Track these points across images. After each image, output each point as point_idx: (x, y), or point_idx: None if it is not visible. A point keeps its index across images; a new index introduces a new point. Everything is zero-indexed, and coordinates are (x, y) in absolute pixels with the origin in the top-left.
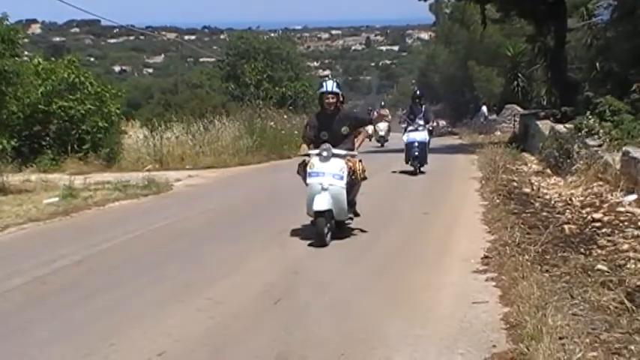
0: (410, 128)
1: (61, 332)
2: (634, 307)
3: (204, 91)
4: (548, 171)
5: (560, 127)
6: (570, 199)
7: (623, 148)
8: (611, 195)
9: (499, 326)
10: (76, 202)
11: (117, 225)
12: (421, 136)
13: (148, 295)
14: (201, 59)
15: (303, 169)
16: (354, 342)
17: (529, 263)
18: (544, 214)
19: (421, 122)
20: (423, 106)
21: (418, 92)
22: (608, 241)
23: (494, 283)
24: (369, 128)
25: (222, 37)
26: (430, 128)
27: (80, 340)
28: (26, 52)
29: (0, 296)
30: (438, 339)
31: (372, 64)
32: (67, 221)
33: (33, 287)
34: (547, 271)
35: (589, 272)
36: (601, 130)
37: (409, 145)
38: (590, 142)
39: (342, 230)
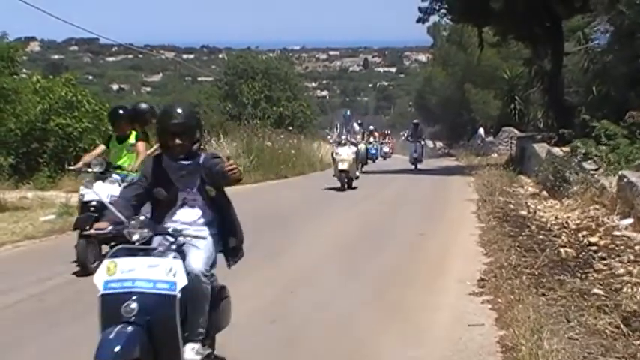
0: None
1: (56, 350)
2: (630, 332)
3: (202, 110)
4: (545, 194)
5: (556, 150)
6: (566, 223)
7: (619, 173)
8: (608, 219)
9: (495, 349)
10: (72, 220)
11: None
12: (152, 274)
13: None
14: (199, 78)
15: None
16: None
17: (525, 286)
18: (540, 237)
19: (178, 223)
20: (202, 160)
21: (175, 122)
22: (604, 264)
23: (490, 306)
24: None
25: (220, 56)
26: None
27: (75, 358)
28: (25, 70)
29: None
30: None
31: (370, 85)
32: (64, 239)
33: (28, 304)
34: (543, 294)
35: (585, 296)
36: (597, 154)
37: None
38: (586, 165)
39: None
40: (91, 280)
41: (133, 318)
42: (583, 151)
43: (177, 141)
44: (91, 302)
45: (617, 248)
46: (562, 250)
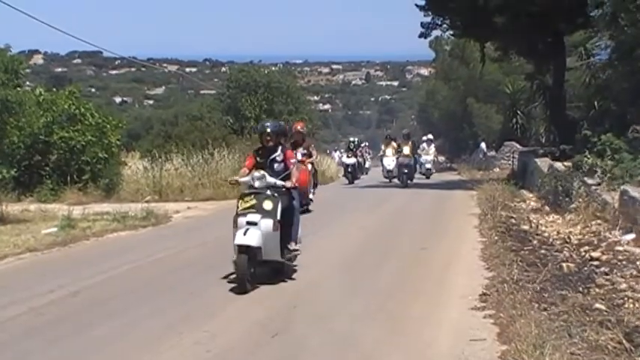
0: None
1: None
2: (632, 347)
3: (205, 123)
4: (547, 208)
5: (558, 164)
6: (569, 237)
7: (622, 187)
8: (610, 234)
9: None
10: (74, 233)
11: (115, 256)
12: None
13: (146, 327)
14: (201, 91)
15: None
16: None
17: (527, 301)
18: (542, 251)
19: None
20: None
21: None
22: (607, 280)
23: (492, 321)
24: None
25: (223, 69)
26: None
27: None
28: (28, 83)
29: None
30: None
31: (372, 98)
32: (65, 252)
33: (30, 318)
34: (545, 309)
35: (587, 311)
36: (600, 169)
37: None
38: (588, 180)
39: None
40: (91, 292)
41: None
42: (585, 166)
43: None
44: (92, 316)
45: (619, 263)
46: (564, 264)
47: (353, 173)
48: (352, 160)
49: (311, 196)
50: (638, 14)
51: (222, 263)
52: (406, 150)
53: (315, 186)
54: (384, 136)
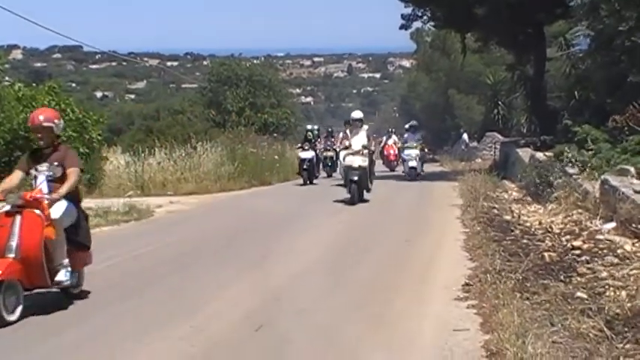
0: None
1: None
2: (613, 335)
3: (187, 117)
4: (529, 198)
5: (539, 155)
6: (550, 227)
7: (602, 177)
8: (591, 223)
9: (480, 354)
10: None
11: (97, 251)
12: None
13: (130, 323)
14: (183, 85)
15: None
16: None
17: (510, 291)
18: (524, 241)
19: None
20: None
21: None
22: (588, 268)
23: (475, 311)
24: None
25: (204, 63)
26: None
27: None
28: (7, 78)
29: None
30: None
31: (354, 91)
32: None
33: None
34: (527, 298)
35: (569, 300)
36: (580, 159)
37: None
38: (569, 170)
39: None
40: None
41: None
42: (566, 156)
43: None
44: (73, 312)
45: (600, 252)
46: (546, 254)
47: (310, 170)
48: (309, 154)
49: (61, 277)
50: (617, 4)
51: (205, 257)
52: (356, 144)
53: (83, 248)
54: (344, 122)
